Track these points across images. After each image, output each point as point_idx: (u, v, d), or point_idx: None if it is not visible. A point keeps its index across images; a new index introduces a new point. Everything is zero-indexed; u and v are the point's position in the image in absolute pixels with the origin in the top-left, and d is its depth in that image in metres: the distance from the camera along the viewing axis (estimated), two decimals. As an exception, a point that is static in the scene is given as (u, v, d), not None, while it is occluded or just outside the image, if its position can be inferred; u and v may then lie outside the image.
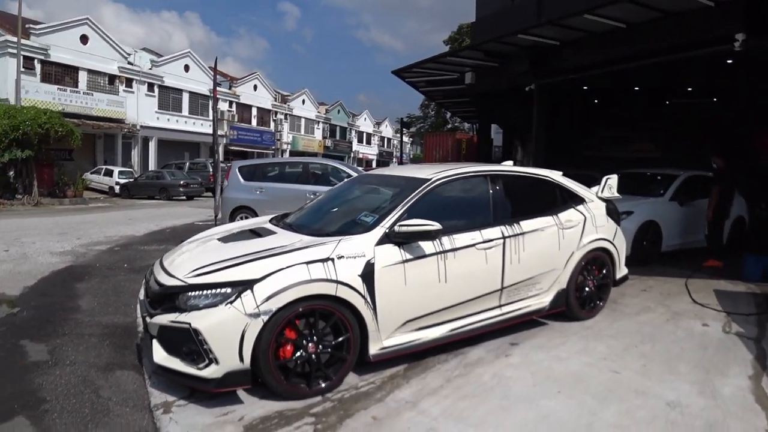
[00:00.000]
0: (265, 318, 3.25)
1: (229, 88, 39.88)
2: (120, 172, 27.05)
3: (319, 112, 50.01)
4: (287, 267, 3.44)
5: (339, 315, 3.51)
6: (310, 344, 3.44)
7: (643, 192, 8.56)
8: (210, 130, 37.30)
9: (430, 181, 4.25)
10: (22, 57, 23.15)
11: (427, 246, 3.93)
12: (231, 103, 39.63)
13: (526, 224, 4.54)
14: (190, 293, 3.37)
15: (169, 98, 34.90)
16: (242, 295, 3.26)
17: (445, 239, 4.03)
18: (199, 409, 3.31)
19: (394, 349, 3.78)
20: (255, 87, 42.25)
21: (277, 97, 45.17)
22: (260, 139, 42.05)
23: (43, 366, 3.97)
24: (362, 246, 3.71)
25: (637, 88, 12.48)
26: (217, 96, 37.47)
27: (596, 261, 5.14)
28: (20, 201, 19.81)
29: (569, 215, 4.91)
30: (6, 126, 18.57)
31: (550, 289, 4.77)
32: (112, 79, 30.86)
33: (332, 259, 3.55)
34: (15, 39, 22.68)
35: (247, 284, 3.31)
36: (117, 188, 26.00)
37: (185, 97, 35.99)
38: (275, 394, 3.41)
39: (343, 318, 3.52)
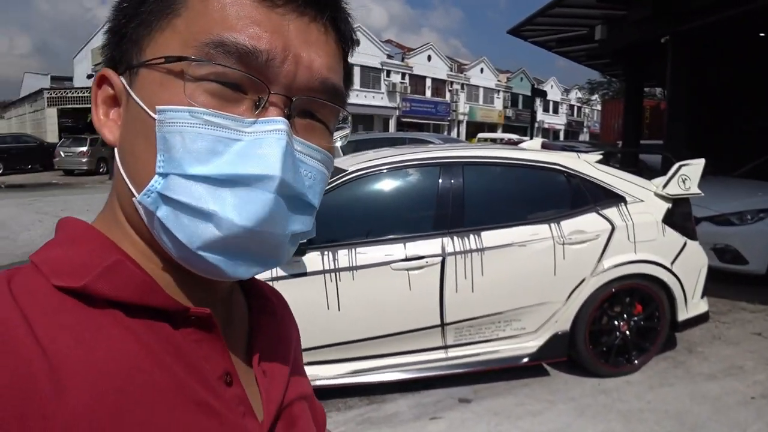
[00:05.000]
0: None
1: (402, 60, 40.22)
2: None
3: (499, 80, 47.89)
4: None
5: None
6: None
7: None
8: (382, 103, 38.44)
9: (340, 176, 3.28)
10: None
11: (310, 262, 3.04)
12: (404, 75, 39.93)
13: (492, 236, 3.28)
14: None
15: (340, 73, 36.46)
16: None
17: (342, 253, 3.06)
18: None
19: None
20: (429, 57, 41.98)
21: (453, 66, 44.35)
22: (434, 110, 41.87)
23: None
24: None
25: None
26: (389, 68, 38.61)
27: (636, 293, 3.54)
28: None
29: (582, 223, 3.42)
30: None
31: (540, 331, 3.42)
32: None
33: None
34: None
35: None
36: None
37: (356, 71, 37.24)
38: None
39: None
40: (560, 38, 10.68)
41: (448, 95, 43.34)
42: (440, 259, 3.19)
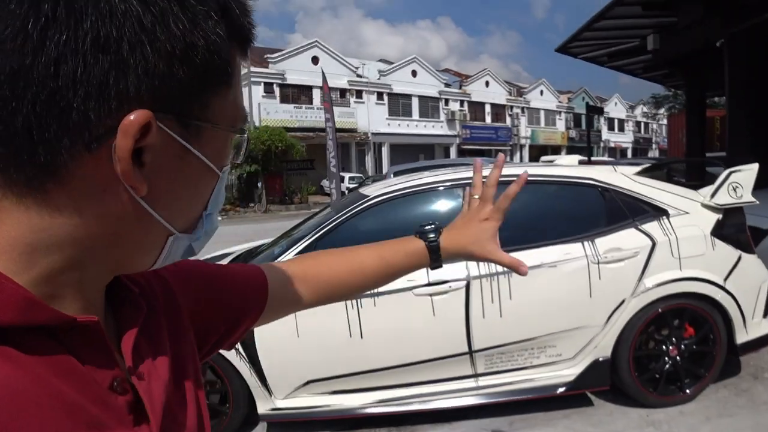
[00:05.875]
0: None
1: (460, 88, 40.39)
2: (350, 178, 29.76)
3: (560, 101, 47.08)
4: None
5: (210, 362, 3.11)
6: None
7: None
8: (442, 132, 38.62)
9: (361, 201, 3.30)
10: (263, 84, 27.32)
11: (332, 288, 2.99)
12: (462, 102, 40.06)
13: (520, 257, 3.06)
14: None
15: (398, 104, 37.04)
16: None
17: (364, 279, 3.01)
18: None
19: (289, 412, 3.17)
20: (487, 83, 41.99)
21: (512, 90, 44.07)
22: (495, 136, 41.69)
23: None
24: None
25: None
26: (447, 97, 38.83)
27: (685, 314, 3.30)
28: (252, 209, 23.30)
29: (618, 240, 3.24)
30: (235, 145, 22.20)
31: (578, 357, 3.23)
32: (343, 92, 34.10)
33: None
34: (257, 69, 26.86)
35: None
36: (347, 192, 28.73)
37: (414, 102, 37.69)
38: None
39: (215, 366, 3.14)
40: (611, 52, 10.38)
41: (508, 120, 43.05)
42: (464, 283, 3.10)
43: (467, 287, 3.10)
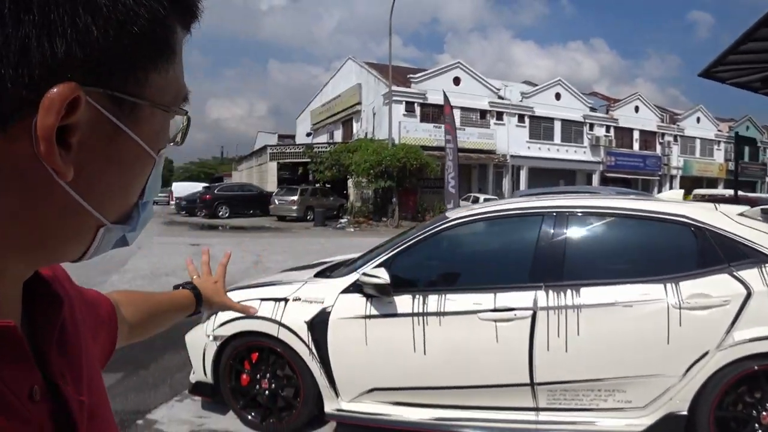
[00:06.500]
0: (218, 343, 3.56)
1: (606, 112, 38.37)
2: (485, 199, 29.61)
3: (719, 130, 42.60)
4: (246, 300, 3.52)
5: (287, 358, 3.46)
6: (263, 379, 3.55)
7: None
8: (584, 157, 36.95)
9: (440, 222, 3.43)
10: (405, 103, 28.28)
11: (401, 303, 3.20)
12: (608, 127, 38.00)
13: (592, 293, 3.05)
14: None
15: (540, 127, 36.10)
16: (211, 318, 3.57)
17: (432, 298, 3.17)
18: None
19: (353, 415, 3.37)
20: (636, 108, 39.36)
21: (664, 117, 40.82)
22: (643, 164, 38.92)
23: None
24: (324, 291, 3.45)
25: None
26: (592, 121, 37.08)
27: (784, 376, 2.96)
28: (384, 223, 24.06)
29: (707, 285, 3.00)
30: (373, 161, 23.09)
31: (650, 407, 3.03)
32: (483, 113, 34.04)
33: (286, 300, 3.50)
34: (399, 88, 27.86)
35: None
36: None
37: (557, 125, 36.52)
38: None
39: (290, 362, 3.45)
40: (766, 77, 9.27)
41: (658, 148, 39.96)
42: (531, 312, 3.07)
43: (533, 317, 3.07)
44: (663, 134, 40.25)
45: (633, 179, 37.78)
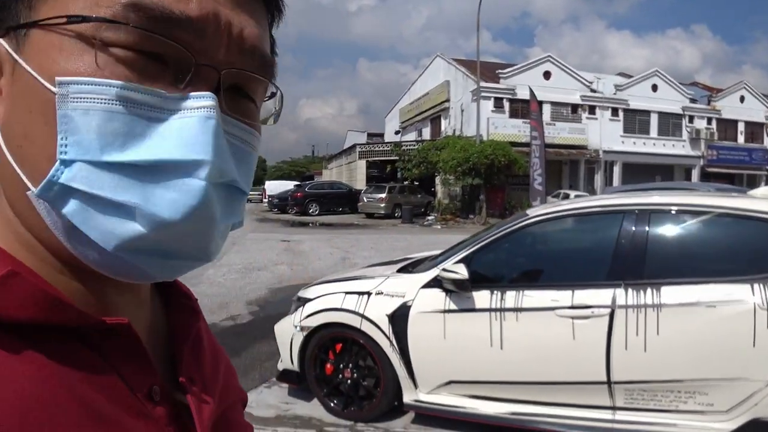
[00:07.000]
0: (304, 334, 3.82)
1: (708, 103, 35.77)
2: (575, 196, 28.72)
3: None
4: (331, 293, 3.83)
5: (369, 349, 3.63)
6: (346, 369, 3.76)
7: None
8: (683, 152, 34.76)
9: (520, 220, 3.50)
10: (493, 99, 28.01)
11: (479, 299, 3.33)
12: (710, 119, 35.45)
13: (673, 292, 3.02)
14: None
15: (634, 121, 34.35)
16: (299, 309, 3.89)
17: (510, 294, 3.27)
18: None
19: (430, 406, 3.51)
20: (742, 98, 36.33)
21: (777, 106, 37.41)
22: (749, 158, 35.90)
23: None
24: (405, 286, 3.64)
25: None
26: (692, 113, 34.73)
27: None
28: (471, 220, 23.99)
29: (800, 288, 2.87)
30: (460, 158, 23.08)
31: (733, 412, 2.95)
32: (574, 108, 32.88)
33: (369, 294, 3.68)
34: (488, 84, 27.61)
35: (304, 301, 3.93)
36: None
37: (653, 118, 34.58)
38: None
39: (372, 353, 3.63)
40: None
41: (766, 140, 36.71)
42: (609, 310, 3.08)
43: (611, 315, 3.07)
44: (774, 125, 36.96)
45: (737, 174, 34.94)
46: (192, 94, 0.39)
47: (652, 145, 34.52)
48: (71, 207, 0.37)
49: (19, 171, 0.38)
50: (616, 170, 33.78)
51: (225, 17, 0.41)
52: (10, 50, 0.39)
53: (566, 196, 28.59)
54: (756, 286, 2.93)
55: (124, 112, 0.37)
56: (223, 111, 0.41)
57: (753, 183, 34.00)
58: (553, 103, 32.27)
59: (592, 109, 33.28)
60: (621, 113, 33.95)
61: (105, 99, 0.37)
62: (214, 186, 0.39)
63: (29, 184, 0.38)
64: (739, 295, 2.93)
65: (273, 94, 0.49)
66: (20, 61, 0.38)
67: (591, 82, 33.62)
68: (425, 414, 3.58)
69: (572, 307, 3.14)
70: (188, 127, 0.38)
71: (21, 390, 0.35)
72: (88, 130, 0.37)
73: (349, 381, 3.73)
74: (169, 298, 0.55)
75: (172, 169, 0.38)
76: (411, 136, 38.29)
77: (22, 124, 0.38)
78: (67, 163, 0.37)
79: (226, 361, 0.60)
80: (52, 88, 0.37)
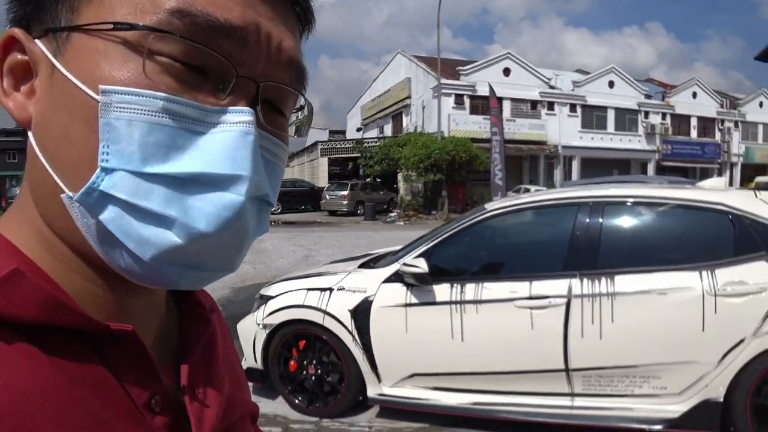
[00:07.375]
0: (267, 331, 3.77)
1: (662, 99, 36.97)
2: (535, 191, 29.21)
3: (788, 115, 40.27)
4: (293, 290, 3.81)
5: (332, 345, 3.63)
6: (310, 365, 3.74)
7: None
8: (639, 146, 35.80)
9: (479, 213, 3.54)
10: (454, 95, 28.28)
11: (440, 292, 3.35)
12: (664, 115, 36.63)
13: (626, 281, 3.10)
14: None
15: (592, 116, 35.19)
16: (261, 307, 3.85)
17: (469, 287, 3.30)
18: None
19: (394, 399, 3.54)
20: (694, 94, 37.71)
21: (724, 102, 38.91)
22: (701, 152, 37.30)
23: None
24: (367, 281, 3.62)
25: None
26: (647, 109, 35.81)
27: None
28: (434, 216, 24.16)
29: (743, 273, 3.00)
30: (422, 155, 23.19)
31: (685, 394, 3.06)
32: (534, 104, 33.46)
33: (331, 290, 3.67)
34: (448, 81, 27.82)
35: (266, 299, 3.89)
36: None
37: (610, 114, 35.51)
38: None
39: (335, 348, 3.62)
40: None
41: (717, 135, 38.19)
42: (565, 300, 3.15)
43: (567, 305, 3.14)
44: (723, 120, 38.41)
45: (691, 168, 36.31)
46: (231, 108, 0.39)
47: (609, 140, 35.43)
48: (109, 214, 0.37)
49: (52, 173, 0.38)
50: (575, 165, 34.55)
51: (265, 28, 0.41)
52: (48, 53, 0.39)
53: (526, 191, 29.13)
54: (704, 273, 3.04)
55: (166, 124, 0.37)
56: (258, 125, 0.41)
57: (706, 176, 35.18)
58: (513, 100, 32.76)
59: (551, 106, 33.93)
60: (579, 109, 34.73)
61: (149, 111, 0.37)
62: (249, 200, 0.40)
63: (63, 186, 0.38)
64: (689, 282, 3.04)
65: (301, 107, 0.49)
66: (60, 67, 0.38)
67: (550, 79, 34.26)
68: (390, 407, 3.60)
69: (530, 298, 3.20)
70: (228, 141, 0.38)
71: (19, 385, 0.35)
72: (130, 140, 0.37)
73: (313, 377, 3.72)
74: (182, 304, 0.54)
75: (211, 183, 0.38)
76: (373, 133, 38.30)
77: (62, 126, 0.38)
78: (108, 171, 0.37)
79: (238, 373, 0.59)
80: (95, 96, 0.37)
